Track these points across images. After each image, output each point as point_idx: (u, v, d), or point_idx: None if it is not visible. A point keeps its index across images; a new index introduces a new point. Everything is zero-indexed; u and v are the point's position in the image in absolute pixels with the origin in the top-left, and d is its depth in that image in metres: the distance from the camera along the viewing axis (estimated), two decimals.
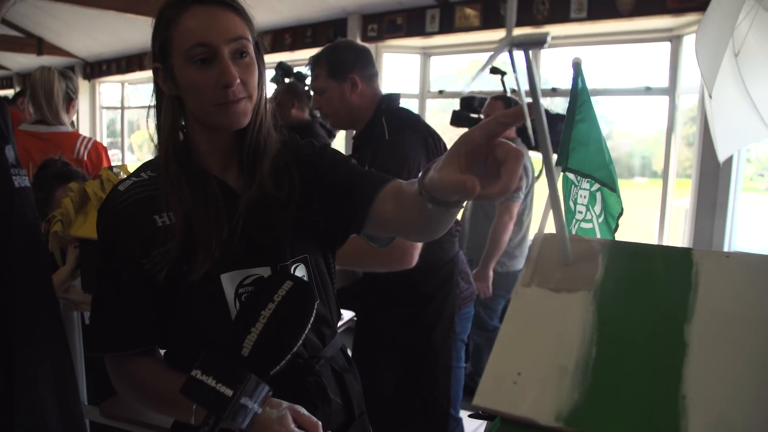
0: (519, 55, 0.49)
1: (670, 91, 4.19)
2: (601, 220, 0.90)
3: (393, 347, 2.08)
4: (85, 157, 2.53)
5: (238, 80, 0.99)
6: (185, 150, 1.06)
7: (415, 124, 1.94)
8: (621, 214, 0.89)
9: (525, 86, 0.54)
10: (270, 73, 3.99)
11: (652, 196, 4.41)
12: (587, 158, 0.81)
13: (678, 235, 4.16)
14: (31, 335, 0.96)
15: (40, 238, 1.05)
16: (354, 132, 2.05)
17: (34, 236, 1.01)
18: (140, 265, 1.01)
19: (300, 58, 6.32)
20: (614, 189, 0.84)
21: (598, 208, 0.90)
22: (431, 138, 1.90)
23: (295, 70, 4.03)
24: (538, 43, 0.48)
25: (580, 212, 0.91)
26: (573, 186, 0.92)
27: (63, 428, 0.98)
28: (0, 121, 0.99)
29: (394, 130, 1.88)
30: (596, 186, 0.88)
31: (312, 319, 0.79)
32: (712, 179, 3.66)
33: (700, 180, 3.76)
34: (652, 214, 4.32)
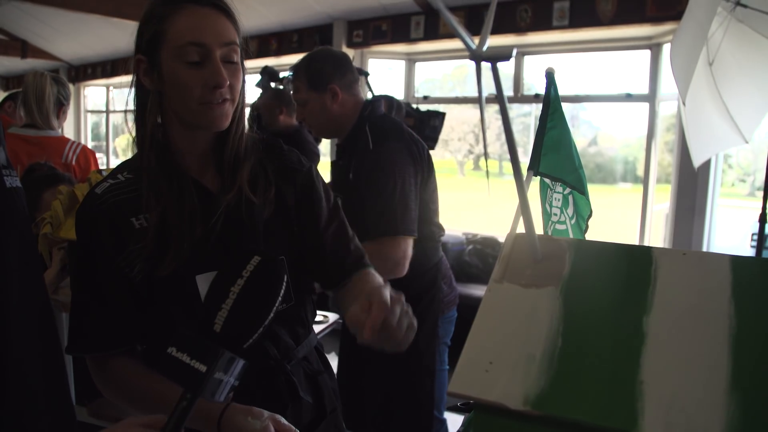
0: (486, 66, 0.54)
1: (651, 97, 4.27)
2: (573, 221, 0.95)
3: (378, 350, 2.10)
4: (74, 162, 2.54)
5: (226, 84, 1.01)
6: (163, 149, 1.06)
7: (398, 132, 1.96)
8: (590, 215, 0.94)
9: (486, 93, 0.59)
10: (255, 78, 4.01)
11: (636, 201, 4.49)
12: (558, 163, 0.85)
13: (659, 239, 4.24)
14: (25, 332, 0.98)
15: (33, 237, 1.06)
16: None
17: (26, 235, 1.03)
18: (117, 266, 1.02)
19: (286, 63, 6.35)
20: (583, 192, 0.89)
21: (570, 210, 0.95)
22: (415, 146, 1.93)
23: (282, 74, 4.05)
24: (504, 57, 0.53)
25: (555, 214, 0.96)
26: (549, 189, 0.96)
27: (52, 423, 1.00)
28: None
29: (378, 139, 1.89)
30: (568, 189, 0.93)
31: (282, 291, 0.80)
32: (691, 184, 3.74)
33: (678, 184, 3.84)
34: (635, 219, 4.40)
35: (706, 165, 3.67)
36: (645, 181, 4.33)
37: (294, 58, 6.07)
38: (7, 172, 1.00)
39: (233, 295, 0.78)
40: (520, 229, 0.74)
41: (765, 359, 0.58)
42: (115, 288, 1.03)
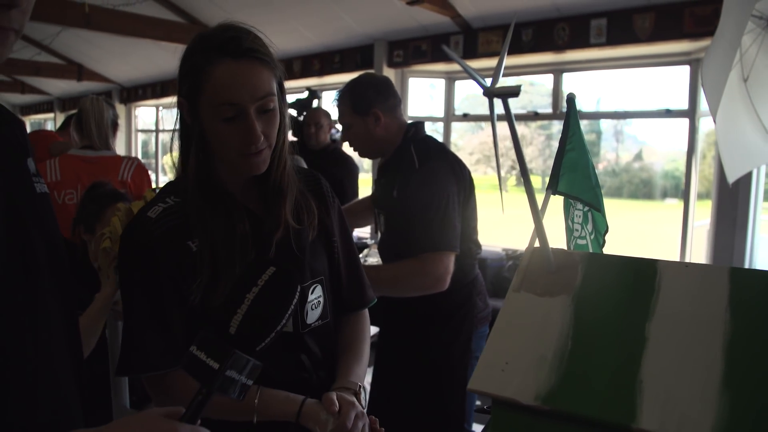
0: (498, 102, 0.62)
1: (690, 113, 4.26)
2: (592, 237, 1.01)
3: (412, 363, 2.18)
4: (129, 179, 2.70)
5: (261, 139, 1.06)
6: (208, 174, 1.11)
7: (442, 153, 2.05)
8: (606, 231, 1.00)
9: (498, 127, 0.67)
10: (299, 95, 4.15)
11: (681, 217, 4.46)
12: (575, 183, 0.92)
13: (701, 255, 4.21)
14: (51, 338, 1.03)
15: (60, 240, 1.11)
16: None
17: (53, 238, 1.03)
18: (178, 289, 1.07)
19: (328, 83, 6.52)
20: (599, 209, 0.95)
21: (590, 226, 1.01)
22: (458, 166, 2.03)
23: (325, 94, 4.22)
24: (513, 93, 0.61)
25: (577, 230, 1.03)
26: (571, 206, 1.03)
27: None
28: (20, 136, 1.03)
29: (423, 158, 1.99)
30: (587, 207, 0.99)
31: (295, 301, 0.87)
32: (731, 199, 3.72)
33: (719, 199, 3.82)
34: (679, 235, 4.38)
35: (747, 179, 3.65)
36: (686, 197, 4.31)
37: (336, 78, 6.26)
38: (37, 179, 1.03)
39: (248, 301, 0.84)
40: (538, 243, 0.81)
41: (756, 361, 0.64)
42: (173, 309, 1.08)
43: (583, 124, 5.66)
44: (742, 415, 0.60)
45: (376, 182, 2.21)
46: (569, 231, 1.04)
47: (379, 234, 2.19)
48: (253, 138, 1.04)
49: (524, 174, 0.70)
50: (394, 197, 2.02)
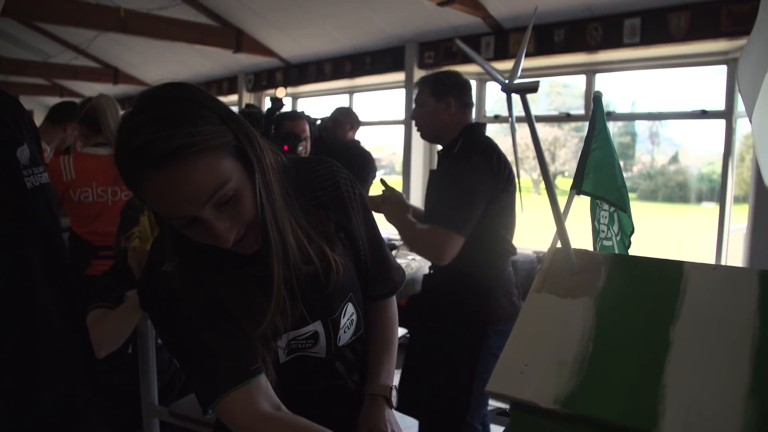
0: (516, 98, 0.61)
1: (727, 114, 4.17)
2: (618, 238, 0.99)
3: (441, 360, 2.22)
4: None
5: (234, 234, 0.92)
6: (191, 252, 0.98)
7: (485, 147, 2.21)
8: (632, 232, 0.98)
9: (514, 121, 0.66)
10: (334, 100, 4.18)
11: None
12: (600, 182, 0.90)
13: (737, 259, 4.11)
14: (52, 332, 1.00)
15: (59, 236, 1.06)
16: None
17: (50, 234, 1.02)
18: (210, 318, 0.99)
19: (359, 84, 6.54)
20: (625, 210, 0.93)
21: (616, 227, 0.99)
22: (497, 163, 2.16)
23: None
24: (531, 89, 0.60)
25: (603, 231, 1.00)
26: (597, 207, 1.01)
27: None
28: (12, 123, 0.98)
29: (466, 147, 2.19)
30: (613, 208, 0.97)
31: None
32: None
33: (756, 202, 3.73)
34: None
35: None
36: (722, 200, 4.21)
37: (367, 80, 6.27)
38: (29, 171, 0.99)
39: None
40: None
41: None
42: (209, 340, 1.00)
43: (618, 126, 5.60)
44: None
45: (431, 171, 2.46)
46: (595, 232, 1.02)
47: None
48: (221, 243, 0.91)
49: (544, 173, 0.68)
50: (433, 180, 2.29)
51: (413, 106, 2.37)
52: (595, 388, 0.65)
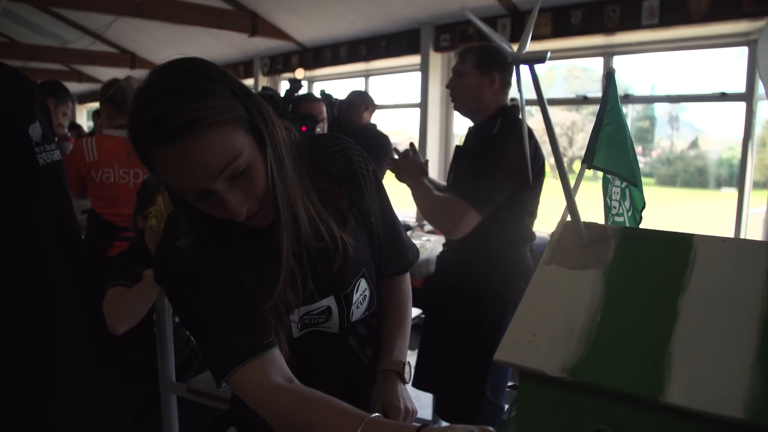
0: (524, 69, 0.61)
1: (748, 96, 4.12)
2: (629, 213, 0.99)
3: (456, 339, 2.23)
4: None
5: (246, 208, 0.93)
6: (204, 226, 1.00)
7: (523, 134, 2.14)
8: (644, 207, 0.98)
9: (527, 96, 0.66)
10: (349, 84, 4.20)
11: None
12: (611, 157, 0.90)
13: None
14: (64, 305, 1.01)
15: (71, 212, 1.07)
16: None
17: (63, 210, 1.03)
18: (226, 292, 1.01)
19: (375, 68, 6.52)
20: (636, 185, 0.93)
21: (627, 203, 0.99)
22: (532, 150, 2.13)
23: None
24: (539, 59, 0.60)
25: (614, 207, 1.01)
26: (610, 184, 1.01)
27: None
28: (23, 101, 0.99)
29: (504, 129, 2.12)
30: (625, 183, 0.97)
31: None
32: None
33: None
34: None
35: None
36: (740, 184, 4.17)
37: (382, 63, 6.25)
38: (42, 148, 1.00)
39: None
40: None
41: None
42: (224, 312, 1.01)
43: (637, 110, 5.54)
44: None
45: (457, 147, 2.39)
46: (607, 209, 1.02)
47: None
48: (233, 216, 0.92)
49: (553, 145, 0.69)
50: (466, 155, 2.22)
51: (450, 75, 2.27)
52: (603, 357, 0.66)
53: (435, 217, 2.13)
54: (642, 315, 0.68)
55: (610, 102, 0.95)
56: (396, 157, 2.34)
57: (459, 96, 2.25)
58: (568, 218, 0.80)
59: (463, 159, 2.25)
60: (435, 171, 5.61)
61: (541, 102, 0.64)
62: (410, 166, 2.23)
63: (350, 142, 1.17)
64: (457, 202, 2.03)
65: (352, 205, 1.13)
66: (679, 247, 0.74)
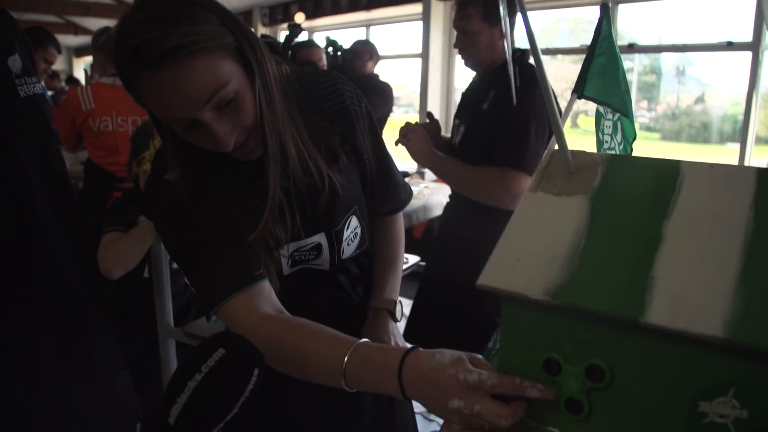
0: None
1: (754, 46, 4.04)
2: (621, 147, 0.98)
3: (460, 294, 2.21)
4: None
5: (234, 138, 0.91)
6: (191, 156, 0.98)
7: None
8: (634, 138, 0.97)
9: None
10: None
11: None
12: (603, 88, 0.88)
13: None
14: (49, 240, 0.99)
15: (55, 146, 1.05)
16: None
17: (47, 144, 1.02)
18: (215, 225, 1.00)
19: (376, 17, 6.41)
20: (627, 115, 0.92)
21: (619, 136, 0.97)
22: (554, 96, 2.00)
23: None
24: None
25: (606, 141, 0.99)
26: (602, 119, 1.00)
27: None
28: (2, 34, 0.97)
29: (525, 80, 1.95)
30: (617, 116, 0.96)
31: (251, 387, 0.73)
32: None
33: None
34: None
35: None
36: (743, 137, 4.13)
37: (384, 12, 6.12)
38: (22, 80, 0.98)
39: (188, 390, 0.72)
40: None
41: None
42: (211, 244, 1.00)
43: (644, 64, 5.43)
44: (756, 312, 0.58)
45: (464, 94, 2.23)
46: (599, 143, 1.01)
47: (453, 144, 2.20)
48: (220, 145, 0.90)
49: (539, 67, 0.67)
50: (483, 109, 2.04)
51: (455, 33, 2.09)
52: (586, 281, 0.66)
53: (485, 192, 1.98)
54: (626, 239, 0.68)
55: (602, 33, 0.93)
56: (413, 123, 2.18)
57: (471, 54, 2.09)
58: (556, 147, 0.79)
59: (480, 114, 2.09)
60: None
61: (526, 22, 0.62)
62: (418, 142, 2.04)
63: (343, 79, 1.15)
64: (511, 173, 1.91)
65: (343, 141, 1.11)
66: (666, 173, 0.73)
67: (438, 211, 2.83)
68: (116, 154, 2.87)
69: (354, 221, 1.15)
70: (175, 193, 0.99)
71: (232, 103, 0.88)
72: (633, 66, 6.01)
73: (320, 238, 1.10)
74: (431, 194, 2.89)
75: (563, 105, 0.94)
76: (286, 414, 1.21)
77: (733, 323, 0.58)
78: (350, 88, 1.14)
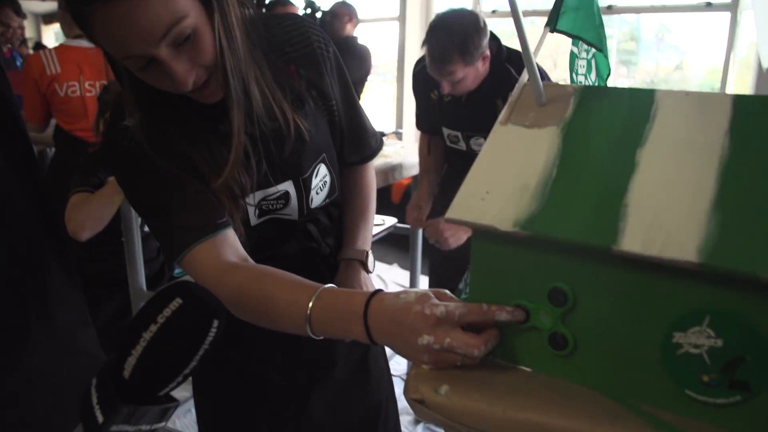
0: None
1: (732, 7, 4.02)
2: (595, 84, 0.96)
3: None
4: None
5: (193, 77, 0.87)
6: (150, 101, 0.94)
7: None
8: (608, 74, 0.94)
9: None
10: None
11: None
12: (576, 22, 0.85)
13: None
14: (12, 212, 0.96)
15: (12, 100, 1.01)
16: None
17: (4, 98, 0.98)
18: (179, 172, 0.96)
19: None
20: (602, 50, 0.89)
21: (593, 75, 0.95)
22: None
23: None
24: None
25: (581, 81, 0.97)
26: (576, 59, 0.97)
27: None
28: None
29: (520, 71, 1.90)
30: (591, 54, 0.93)
31: (211, 339, 0.68)
32: None
33: None
34: None
35: None
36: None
37: None
38: None
39: (144, 342, 0.68)
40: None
41: (753, 184, 0.59)
42: (179, 193, 0.97)
43: (623, 31, 5.39)
44: (731, 236, 0.56)
45: (449, 103, 2.15)
46: (573, 83, 0.99)
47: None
48: (178, 84, 0.86)
49: (516, 18, 0.64)
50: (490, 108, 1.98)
51: (442, 81, 2.02)
52: (557, 210, 0.63)
53: None
54: (599, 168, 0.66)
55: None
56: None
57: (464, 90, 2.04)
58: (527, 78, 0.76)
59: (485, 110, 1.99)
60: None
61: None
62: (453, 230, 2.08)
63: (309, 22, 1.11)
64: None
65: (310, 86, 1.07)
66: (640, 102, 0.70)
67: (414, 171, 2.80)
68: (85, 118, 2.79)
69: (323, 169, 1.11)
70: (134, 139, 0.95)
71: (190, 40, 0.83)
72: (613, 33, 5.98)
73: (288, 186, 1.06)
74: (408, 154, 2.86)
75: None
76: (253, 371, 1.19)
77: (708, 248, 0.56)
78: (317, 32, 1.10)
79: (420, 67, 2.26)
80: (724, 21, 4.11)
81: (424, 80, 2.21)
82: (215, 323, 0.69)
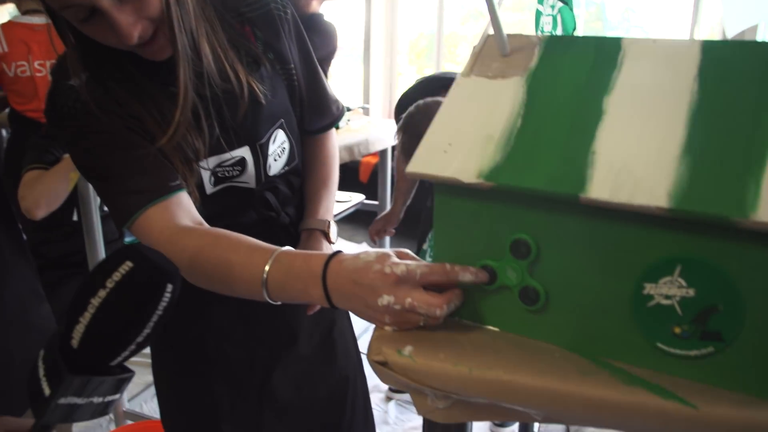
0: None
1: None
2: None
3: None
4: None
5: (138, 30, 0.83)
6: (95, 58, 0.90)
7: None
8: (574, 29, 0.92)
9: None
10: None
11: None
12: None
13: None
14: None
15: None
16: None
17: None
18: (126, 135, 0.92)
19: None
20: (566, 2, 0.87)
21: (559, 30, 0.93)
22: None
23: None
24: None
25: None
26: (541, 15, 0.95)
27: None
28: None
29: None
30: (556, 9, 0.90)
31: (164, 305, 0.64)
32: None
33: None
34: None
35: None
36: None
37: None
38: None
39: (92, 309, 0.63)
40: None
41: (722, 128, 0.57)
42: (127, 157, 0.92)
43: (589, 12, 5.39)
44: (701, 180, 0.54)
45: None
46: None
47: None
48: (122, 37, 0.81)
49: None
50: None
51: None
52: (522, 160, 0.61)
53: None
54: (565, 117, 0.63)
55: None
56: None
57: None
58: (491, 31, 0.73)
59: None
60: (380, 74, 5.45)
61: None
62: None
63: None
64: None
65: (267, 48, 1.03)
66: (606, 50, 0.68)
67: (380, 146, 2.76)
68: (37, 99, 2.69)
69: (281, 135, 1.07)
70: (80, 99, 0.90)
71: None
72: (580, 13, 5.98)
73: (244, 152, 1.02)
74: (373, 128, 2.82)
75: None
76: (212, 345, 1.14)
77: (678, 193, 0.54)
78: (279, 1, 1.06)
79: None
80: (688, 1, 4.14)
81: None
82: (169, 287, 0.64)
